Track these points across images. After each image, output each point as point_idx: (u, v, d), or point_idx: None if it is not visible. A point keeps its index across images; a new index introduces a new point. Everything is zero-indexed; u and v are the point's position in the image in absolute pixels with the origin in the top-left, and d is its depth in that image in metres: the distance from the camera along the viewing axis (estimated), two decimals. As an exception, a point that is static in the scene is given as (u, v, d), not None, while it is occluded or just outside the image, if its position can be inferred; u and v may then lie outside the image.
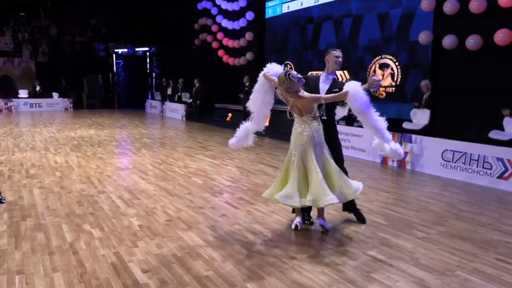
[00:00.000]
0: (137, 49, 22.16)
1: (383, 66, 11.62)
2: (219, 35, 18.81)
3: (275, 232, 4.36)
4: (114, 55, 22.12)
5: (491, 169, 6.58)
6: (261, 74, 4.60)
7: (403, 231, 4.46)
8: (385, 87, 11.50)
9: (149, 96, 22.03)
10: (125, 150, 9.40)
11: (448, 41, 9.04)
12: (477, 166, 6.76)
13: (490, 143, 7.16)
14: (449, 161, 7.15)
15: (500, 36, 8.07)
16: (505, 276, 3.44)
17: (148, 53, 21.86)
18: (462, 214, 5.11)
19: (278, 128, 14.05)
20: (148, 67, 22.10)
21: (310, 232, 4.38)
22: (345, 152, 9.13)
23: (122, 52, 22.29)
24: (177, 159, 8.34)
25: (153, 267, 3.51)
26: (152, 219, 4.71)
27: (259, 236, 4.23)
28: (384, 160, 8.25)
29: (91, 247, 3.89)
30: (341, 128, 9.63)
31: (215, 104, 18.03)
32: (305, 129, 4.27)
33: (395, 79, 11.20)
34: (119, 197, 5.56)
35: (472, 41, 8.58)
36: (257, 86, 4.66)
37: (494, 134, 7.46)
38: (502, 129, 7.52)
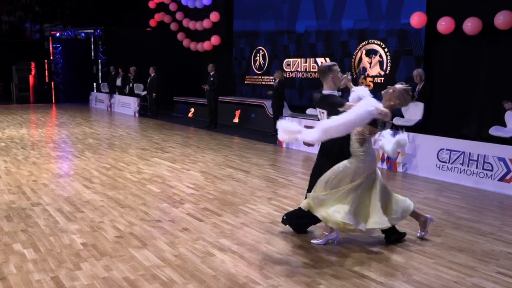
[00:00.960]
0: (79, 32, 21.71)
1: (371, 53, 11.85)
2: (179, 15, 18.70)
3: (246, 247, 4.38)
4: (50, 38, 21.58)
5: (492, 170, 6.82)
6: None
7: (395, 244, 4.56)
8: (373, 76, 11.72)
9: (94, 88, 21.65)
10: (65, 153, 9.21)
11: (444, 24, 9.31)
12: (476, 168, 6.99)
13: (491, 140, 7.43)
14: (446, 162, 7.37)
15: (501, 19, 8.37)
16: (508, 291, 3.58)
17: (92, 37, 21.46)
18: (460, 223, 5.28)
19: (249, 125, 14.12)
20: (92, 53, 21.69)
21: (287, 248, 4.42)
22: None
23: (60, 35, 21.77)
24: (129, 163, 8.24)
25: (100, 293, 3.45)
26: (98, 235, 4.63)
27: (227, 253, 4.23)
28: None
29: (23, 271, 3.78)
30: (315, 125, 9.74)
31: (175, 97, 17.92)
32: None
33: (384, 67, 11.44)
34: (58, 210, 5.44)
35: (470, 25, 8.87)
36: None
37: (495, 131, 7.74)
38: (504, 124, 7.80)
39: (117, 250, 4.25)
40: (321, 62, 13.33)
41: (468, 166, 7.10)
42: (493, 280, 3.79)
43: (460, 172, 7.19)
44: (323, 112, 4.55)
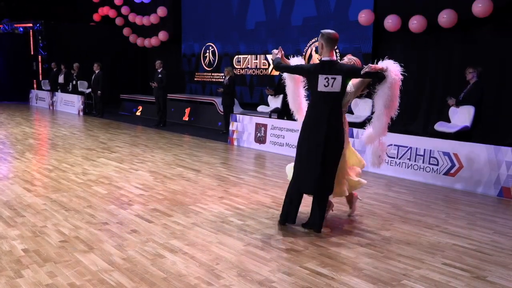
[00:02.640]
0: (16, 26, 20.83)
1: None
2: (124, 10, 18.31)
3: (197, 248, 4.36)
4: (-15, 32, 20.62)
5: (437, 165, 7.14)
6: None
7: (345, 239, 4.69)
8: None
9: (35, 86, 20.88)
10: (3, 155, 8.83)
11: (390, 22, 9.63)
12: (423, 162, 7.29)
13: (436, 136, 7.76)
14: (394, 157, 7.63)
15: (444, 18, 8.75)
16: (453, 282, 3.76)
17: (31, 31, 20.66)
18: (408, 217, 5.50)
19: (199, 123, 14.05)
20: (32, 48, 20.88)
21: (239, 247, 4.45)
22: (279, 150, 9.44)
23: (-4, 29, 20.83)
24: (73, 164, 8.02)
25: (43, 301, 3.34)
26: (41, 241, 4.48)
27: (178, 254, 4.20)
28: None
29: (-42, 281, 3.61)
30: (274, 122, 9.86)
31: (121, 95, 17.57)
32: None
33: (334, 64, 11.68)
34: (-4, 215, 5.22)
35: (415, 23, 9.22)
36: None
37: (440, 126, 8.09)
38: (449, 120, 8.17)
39: (61, 255, 4.13)
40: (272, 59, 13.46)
41: (415, 161, 7.39)
42: (439, 271, 3.97)
43: (408, 167, 7.47)
44: (334, 78, 4.56)
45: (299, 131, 4.94)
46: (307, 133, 4.74)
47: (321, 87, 4.59)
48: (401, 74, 4.72)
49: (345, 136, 4.87)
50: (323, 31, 4.77)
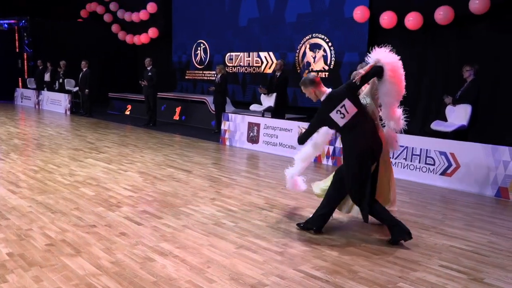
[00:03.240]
0: (1, 22, 20.69)
1: (315, 47, 12.10)
2: (113, 6, 18.26)
3: (188, 251, 4.36)
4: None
5: (434, 164, 7.17)
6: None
7: (340, 241, 4.70)
8: (317, 71, 11.97)
9: (20, 84, 20.76)
10: (-13, 156, 8.78)
11: (386, 19, 9.67)
12: (419, 162, 7.32)
13: (433, 135, 7.80)
14: (390, 157, 7.64)
15: (441, 14, 8.80)
16: (450, 284, 3.78)
17: (16, 27, 20.53)
18: (404, 218, 5.51)
19: (190, 123, 14.03)
20: (17, 45, 20.75)
21: (231, 250, 4.44)
22: (272, 150, 9.44)
23: (-21, 25, 20.69)
24: (60, 165, 7.97)
25: (29, 306, 3.32)
26: (26, 244, 4.45)
27: (168, 257, 4.19)
28: (317, 158, 8.58)
29: None
30: (267, 121, 9.87)
31: (110, 93, 17.51)
32: None
33: (328, 62, 11.72)
34: (-20, 218, 5.18)
35: (412, 20, 9.26)
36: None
37: (436, 125, 8.12)
38: (445, 119, 8.21)
39: (47, 259, 4.10)
40: (265, 57, 13.47)
41: (411, 161, 7.42)
42: (436, 273, 3.99)
43: (404, 167, 7.50)
44: (343, 105, 4.58)
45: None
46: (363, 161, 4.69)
47: (340, 121, 4.60)
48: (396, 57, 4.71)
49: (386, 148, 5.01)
50: (303, 80, 4.86)
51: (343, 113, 4.56)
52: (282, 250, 4.44)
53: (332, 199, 4.90)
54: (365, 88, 4.91)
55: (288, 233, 4.89)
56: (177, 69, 16.98)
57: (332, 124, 4.70)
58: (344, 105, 4.55)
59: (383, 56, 4.63)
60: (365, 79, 4.60)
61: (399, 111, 4.93)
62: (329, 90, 4.74)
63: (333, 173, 5.04)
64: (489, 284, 3.81)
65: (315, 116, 4.86)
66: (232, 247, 4.48)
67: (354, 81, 4.57)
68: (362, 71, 4.60)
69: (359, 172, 4.61)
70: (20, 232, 4.76)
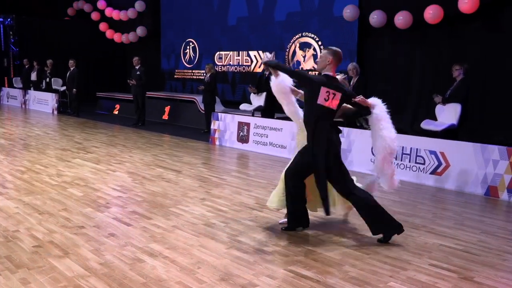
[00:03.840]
0: (-14, 20, 20.48)
1: (304, 46, 12.12)
2: (101, 4, 18.15)
3: (178, 251, 4.35)
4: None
5: (424, 163, 7.22)
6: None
7: (331, 240, 4.72)
8: (308, 70, 12.00)
9: (6, 83, 20.56)
10: (-28, 156, 8.69)
11: (376, 17, 9.71)
12: (409, 161, 7.37)
13: (423, 134, 7.85)
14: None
15: (430, 13, 8.86)
16: (440, 283, 3.81)
17: (2, 26, 20.33)
18: (394, 217, 5.53)
19: (179, 122, 14.00)
20: (2, 44, 20.54)
21: (221, 250, 4.44)
22: (262, 149, 9.45)
23: (-36, 23, 20.46)
24: (47, 166, 7.91)
25: (16, 309, 3.30)
26: (13, 246, 4.42)
27: (158, 258, 4.18)
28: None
29: None
30: (257, 120, 9.88)
31: (98, 92, 17.40)
32: None
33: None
34: (-35, 220, 5.12)
35: (401, 19, 9.31)
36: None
37: (426, 124, 8.18)
38: (435, 118, 8.27)
39: (35, 261, 4.07)
40: (254, 56, 13.47)
41: (401, 160, 7.46)
42: (426, 272, 4.02)
43: (394, 166, 7.52)
44: (334, 94, 4.59)
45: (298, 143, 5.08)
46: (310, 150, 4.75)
47: (321, 100, 4.58)
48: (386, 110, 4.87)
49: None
50: (333, 48, 4.79)
51: (329, 97, 4.56)
52: (273, 250, 4.44)
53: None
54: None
55: (278, 233, 4.90)
56: (166, 68, 16.93)
57: (311, 92, 4.64)
58: (335, 95, 4.57)
59: (380, 107, 4.83)
60: (358, 105, 4.75)
61: (391, 168, 4.97)
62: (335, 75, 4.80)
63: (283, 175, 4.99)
64: (479, 283, 3.84)
65: (306, 73, 5.00)
66: (223, 248, 4.48)
67: (354, 99, 4.69)
68: (362, 99, 4.73)
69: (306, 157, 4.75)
70: (6, 234, 4.72)
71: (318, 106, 4.59)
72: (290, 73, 4.94)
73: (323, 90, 4.57)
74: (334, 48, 4.80)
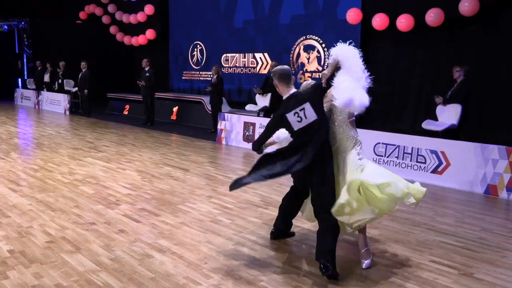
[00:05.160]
0: (0, 23, 20.55)
1: (308, 48, 12.10)
2: (111, 8, 18.21)
3: (186, 247, 4.35)
4: (-32, 30, 20.33)
5: (425, 163, 7.19)
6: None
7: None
8: (311, 72, 11.99)
9: (20, 84, 20.65)
10: (-13, 155, 8.73)
11: (378, 20, 9.68)
12: (410, 160, 7.34)
13: (424, 134, 7.82)
14: (382, 156, 7.67)
15: (432, 16, 8.82)
16: (441, 279, 3.80)
17: (16, 29, 20.41)
18: (396, 215, 5.52)
19: (187, 122, 14.01)
20: (17, 46, 20.63)
21: (227, 246, 4.44)
22: (267, 148, 9.42)
23: (-21, 26, 20.55)
24: (60, 164, 7.94)
25: (29, 302, 3.31)
26: (27, 241, 4.44)
27: (166, 254, 4.19)
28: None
29: None
30: (262, 120, 9.87)
31: (108, 93, 17.44)
32: None
33: (322, 63, 11.73)
34: (-19, 216, 5.15)
35: (403, 21, 9.28)
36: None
37: (427, 125, 8.15)
38: (436, 118, 8.24)
39: (48, 256, 4.09)
40: (260, 58, 13.47)
41: (403, 159, 7.44)
42: (427, 268, 4.01)
43: (396, 165, 7.51)
44: (302, 109, 3.95)
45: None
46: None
47: (296, 125, 3.97)
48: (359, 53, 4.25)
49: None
50: (273, 70, 4.25)
51: (300, 117, 3.94)
52: (277, 247, 4.44)
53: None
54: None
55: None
56: (174, 69, 16.94)
57: (287, 126, 4.04)
58: (304, 109, 3.94)
59: (342, 52, 4.14)
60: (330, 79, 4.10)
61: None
62: (293, 90, 4.11)
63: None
64: (478, 279, 3.83)
65: (271, 118, 4.26)
66: (229, 244, 4.48)
67: (323, 82, 4.06)
68: (326, 71, 4.11)
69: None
70: (20, 230, 4.74)
71: (301, 130, 3.98)
72: (266, 136, 4.29)
73: (290, 116, 3.97)
74: (274, 69, 4.22)
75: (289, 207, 4.55)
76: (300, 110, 3.95)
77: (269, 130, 4.25)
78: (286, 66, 4.26)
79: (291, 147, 4.10)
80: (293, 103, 4.01)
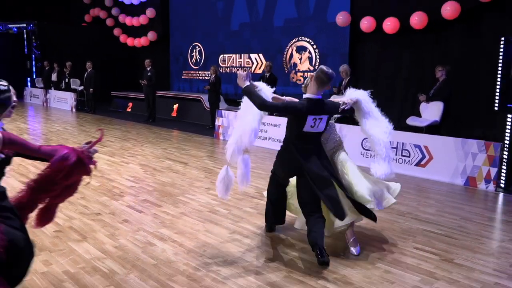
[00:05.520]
0: (10, 26, 20.40)
1: (301, 50, 12.09)
2: (114, 11, 18.11)
3: (186, 236, 4.36)
4: (-21, 32, 20.15)
5: (409, 156, 7.22)
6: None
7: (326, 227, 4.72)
8: (303, 71, 11.98)
9: (29, 83, 20.53)
10: (-2, 150, 8.67)
11: (366, 23, 9.68)
12: (396, 154, 7.37)
13: (408, 130, 7.85)
14: (369, 150, 7.69)
15: (416, 19, 8.83)
16: (423, 264, 3.83)
17: (25, 31, 20.26)
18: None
19: (187, 119, 13.99)
20: (26, 48, 20.49)
21: (225, 235, 4.45)
22: (262, 143, 9.45)
23: (-10, 29, 20.39)
24: (67, 158, 7.90)
25: None
26: (36, 231, 4.40)
27: (167, 242, 4.20)
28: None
29: (-44, 270, 3.54)
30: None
31: (112, 92, 17.37)
32: None
33: (313, 63, 11.72)
34: (-7, 207, 5.13)
35: (389, 24, 9.28)
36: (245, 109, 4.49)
37: (411, 121, 8.17)
38: (419, 115, 8.26)
39: (56, 245, 4.09)
40: (255, 58, 13.45)
41: (389, 153, 7.45)
42: (411, 255, 4.03)
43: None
44: (320, 119, 3.94)
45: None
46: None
47: (307, 128, 3.93)
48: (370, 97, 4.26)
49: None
50: (321, 66, 3.99)
51: (315, 124, 3.93)
52: (271, 235, 4.46)
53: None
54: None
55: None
56: (174, 69, 16.88)
57: (300, 121, 3.93)
58: (322, 119, 3.94)
59: (361, 96, 4.18)
60: (345, 111, 4.10)
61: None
62: (320, 96, 3.98)
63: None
64: (458, 264, 3.86)
65: (292, 102, 4.08)
66: (226, 232, 4.49)
67: (341, 107, 4.03)
68: (349, 100, 4.09)
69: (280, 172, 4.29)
70: (30, 220, 4.72)
71: (304, 134, 3.99)
72: (281, 110, 4.08)
73: (309, 119, 3.91)
74: (322, 67, 3.97)
75: (276, 202, 4.42)
76: (319, 118, 3.93)
77: (285, 109, 4.01)
78: (331, 71, 3.97)
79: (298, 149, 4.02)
80: (318, 108, 3.92)
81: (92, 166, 2.77)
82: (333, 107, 4.04)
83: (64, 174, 2.57)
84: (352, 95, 4.19)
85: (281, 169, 4.29)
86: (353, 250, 4.07)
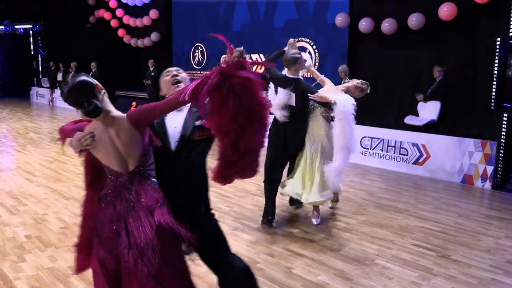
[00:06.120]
0: (17, 27, 20.39)
1: (300, 50, 12.04)
2: (119, 12, 18.07)
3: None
4: (-13, 33, 20.15)
5: (407, 154, 7.21)
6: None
7: (324, 223, 4.72)
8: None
9: (35, 83, 20.53)
10: (5, 148, 8.68)
11: (364, 24, 9.65)
12: (394, 153, 7.36)
13: (406, 128, 7.83)
14: (368, 148, 7.69)
15: (413, 20, 8.80)
16: (421, 260, 3.82)
17: (31, 32, 20.25)
18: (380, 202, 5.55)
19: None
20: (32, 48, 20.49)
21: (226, 230, 4.44)
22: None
23: (-3, 30, 20.39)
24: (72, 156, 7.90)
25: (45, 283, 3.30)
26: (42, 227, 4.43)
27: (171, 239, 4.18)
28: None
29: (-36, 266, 3.55)
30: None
31: (116, 91, 17.36)
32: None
33: (313, 63, 11.69)
34: (0, 204, 5.13)
35: (387, 25, 9.25)
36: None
37: (409, 120, 8.15)
38: (417, 114, 8.24)
39: (62, 241, 4.09)
40: (256, 58, 13.43)
41: (387, 152, 7.45)
42: (408, 251, 4.03)
43: (380, 157, 7.53)
44: (290, 94, 4.43)
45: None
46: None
47: (290, 100, 4.43)
48: (353, 111, 4.25)
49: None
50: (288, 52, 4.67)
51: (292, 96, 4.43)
52: (272, 232, 4.45)
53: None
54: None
55: (278, 217, 4.89)
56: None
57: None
58: (290, 94, 4.41)
59: (342, 105, 4.20)
60: (317, 102, 4.34)
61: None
62: (298, 76, 4.57)
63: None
64: (455, 260, 3.85)
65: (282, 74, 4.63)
66: (228, 229, 4.48)
67: (311, 96, 4.24)
68: (319, 95, 4.21)
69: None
70: (37, 217, 4.73)
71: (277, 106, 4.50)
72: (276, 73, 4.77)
73: (280, 90, 4.60)
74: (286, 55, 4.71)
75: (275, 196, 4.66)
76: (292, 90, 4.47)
77: (274, 74, 4.74)
78: (292, 53, 4.73)
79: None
80: (291, 84, 4.49)
81: (250, 75, 2.10)
82: (304, 89, 4.43)
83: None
84: (338, 97, 4.24)
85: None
86: (314, 221, 4.64)
